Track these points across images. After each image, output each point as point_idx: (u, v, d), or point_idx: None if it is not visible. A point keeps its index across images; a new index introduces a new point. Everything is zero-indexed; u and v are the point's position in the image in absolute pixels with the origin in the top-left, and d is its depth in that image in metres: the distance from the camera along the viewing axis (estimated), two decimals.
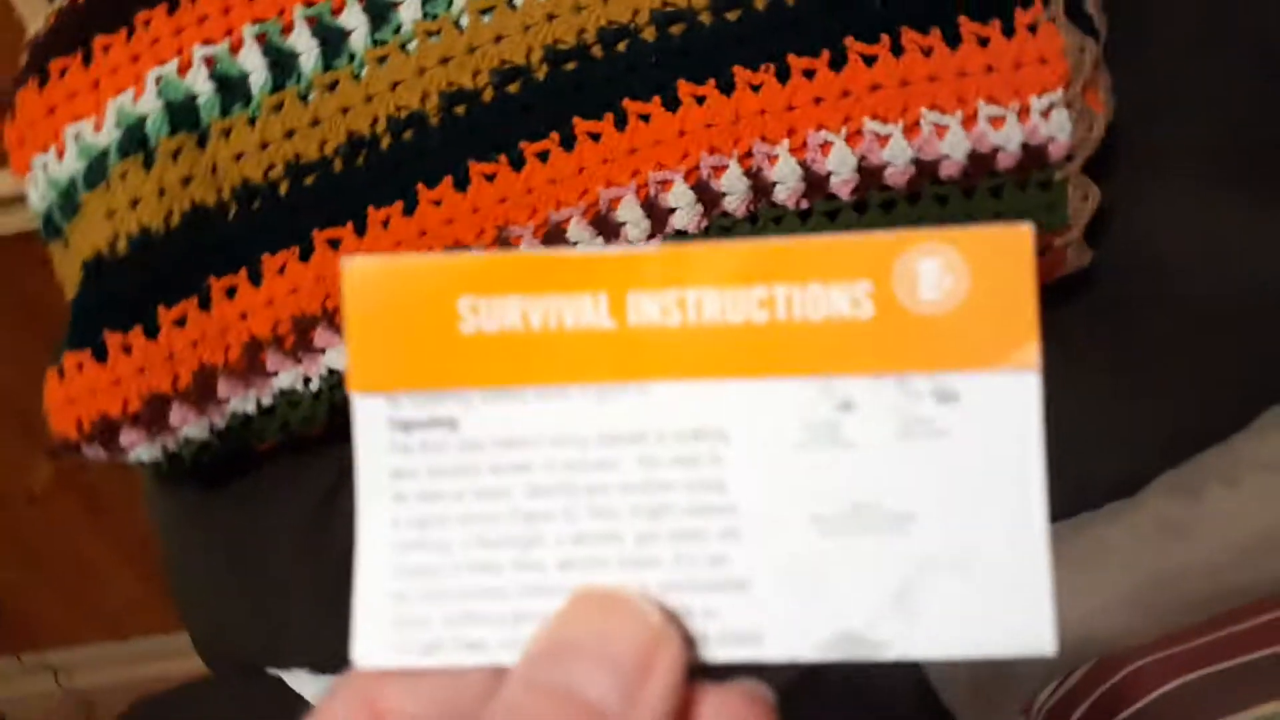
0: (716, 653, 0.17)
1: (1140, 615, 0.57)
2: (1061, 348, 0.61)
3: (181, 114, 0.50)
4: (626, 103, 0.51)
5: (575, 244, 0.53)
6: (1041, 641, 0.16)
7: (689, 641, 0.16)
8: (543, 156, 0.52)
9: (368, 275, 0.17)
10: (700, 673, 0.16)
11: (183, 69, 0.51)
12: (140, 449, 0.53)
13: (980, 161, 0.52)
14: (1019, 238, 0.15)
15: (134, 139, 0.50)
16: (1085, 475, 0.62)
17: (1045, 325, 0.54)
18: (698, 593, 0.16)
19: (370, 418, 0.17)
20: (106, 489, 1.07)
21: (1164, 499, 0.59)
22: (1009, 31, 0.51)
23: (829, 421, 0.16)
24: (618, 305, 0.16)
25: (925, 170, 0.52)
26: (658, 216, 0.52)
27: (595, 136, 0.52)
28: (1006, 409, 0.16)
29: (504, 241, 0.53)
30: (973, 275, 0.15)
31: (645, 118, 0.51)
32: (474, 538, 0.17)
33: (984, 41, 0.51)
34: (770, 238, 0.16)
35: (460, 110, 0.52)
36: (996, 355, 0.15)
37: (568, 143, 0.52)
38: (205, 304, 0.51)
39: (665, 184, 0.52)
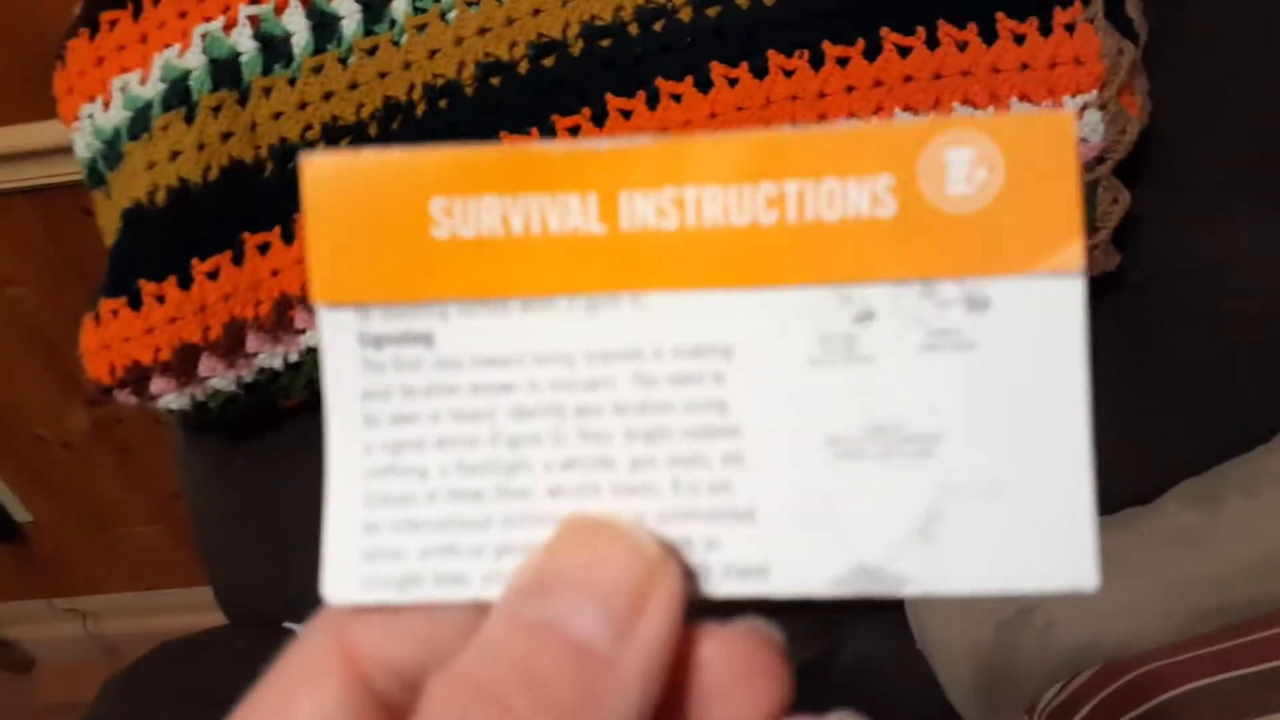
0: (719, 587, 0.15)
1: (1150, 622, 0.57)
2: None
3: (224, 71, 0.52)
4: (659, 81, 0.51)
5: None
6: (1083, 575, 0.14)
7: (689, 575, 0.15)
8: (574, 131, 0.52)
9: (329, 172, 0.15)
10: (702, 611, 0.15)
11: (228, 27, 0.52)
12: (169, 397, 0.55)
13: None
14: (1060, 124, 0.14)
15: (177, 93, 0.51)
16: (1103, 482, 0.61)
17: None
18: (698, 522, 0.15)
19: (338, 332, 0.16)
20: (140, 441, 1.10)
21: (1181, 507, 0.58)
22: (1046, 30, 0.50)
23: (846, 334, 0.14)
24: (608, 207, 0.14)
25: None
26: None
27: (626, 114, 0.52)
28: (1046, 317, 0.14)
29: None
30: (1008, 167, 0.14)
31: (677, 97, 0.52)
32: (453, 463, 0.16)
33: (1020, 39, 0.50)
34: (780, 127, 0.14)
35: (495, 81, 0.52)
36: (1035, 257, 0.14)
37: (599, 119, 0.52)
38: (238, 259, 0.53)
39: None
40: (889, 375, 0.14)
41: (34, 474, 1.13)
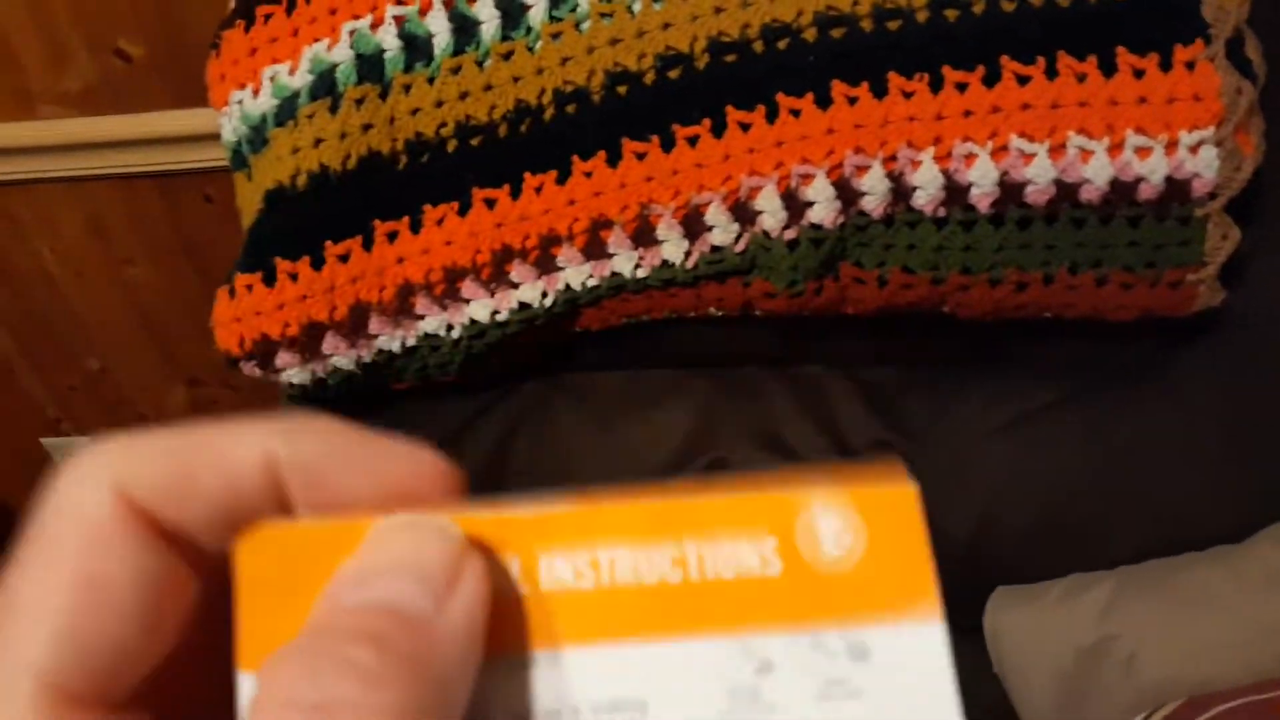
0: None
1: (1234, 662, 0.57)
2: (1179, 389, 0.61)
3: (369, 66, 0.55)
4: (780, 97, 0.53)
5: (712, 228, 0.56)
6: None
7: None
8: (692, 141, 0.54)
9: (264, 542, 0.16)
10: None
11: (375, 25, 0.55)
12: (293, 371, 0.57)
13: (1122, 190, 0.53)
14: (907, 496, 0.16)
15: (324, 84, 0.54)
16: (1195, 517, 0.62)
17: (1166, 366, 0.54)
18: None
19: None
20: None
21: (1273, 548, 0.58)
22: (1166, 66, 0.51)
23: (750, 685, 0.15)
24: (529, 568, 0.15)
25: (1066, 192, 0.53)
26: (795, 209, 0.55)
27: (745, 126, 0.54)
28: (917, 662, 0.15)
29: (645, 218, 0.55)
30: (869, 531, 0.15)
31: (796, 113, 0.53)
32: None
33: (1139, 73, 0.51)
34: (678, 491, 0.15)
35: (622, 90, 0.55)
36: (900, 609, 0.15)
37: (718, 130, 0.54)
38: (368, 244, 0.55)
39: (806, 178, 0.54)
40: None
41: None
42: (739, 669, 0.15)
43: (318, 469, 0.16)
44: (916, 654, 0.15)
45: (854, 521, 0.15)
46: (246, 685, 0.15)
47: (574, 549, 0.15)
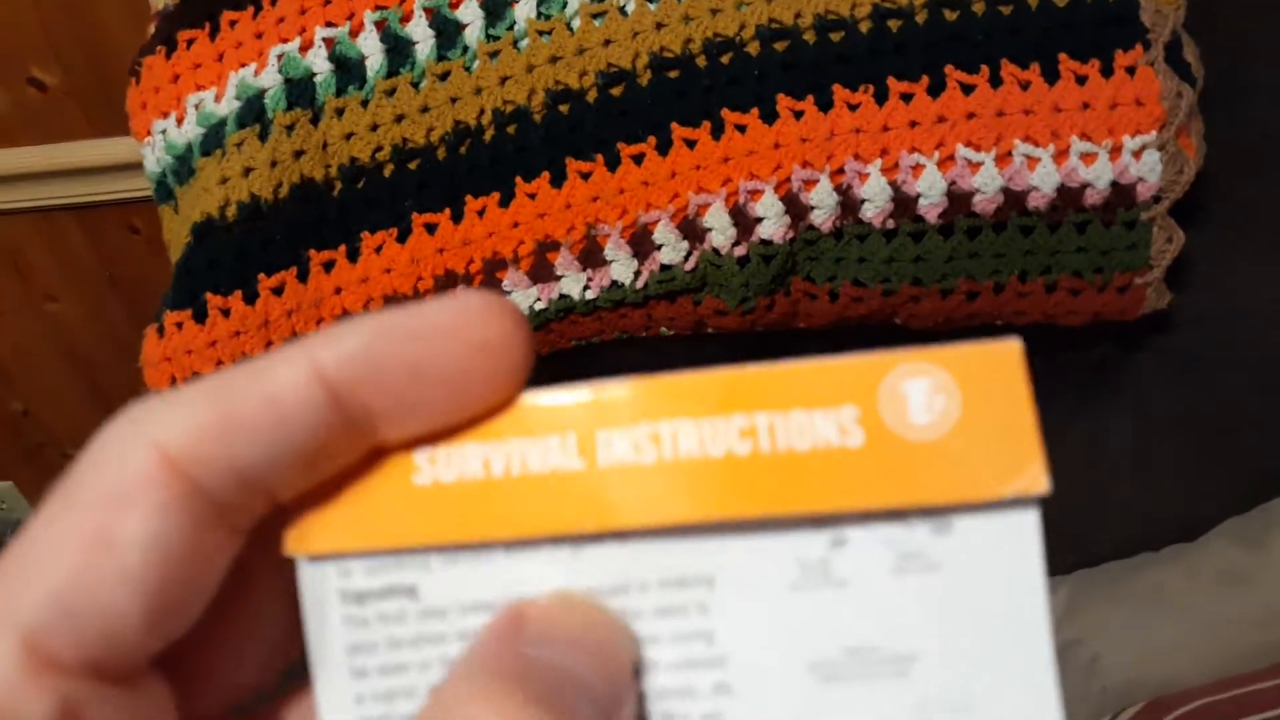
0: None
1: (1193, 661, 0.57)
2: (1132, 394, 0.62)
3: (299, 91, 0.53)
4: (725, 112, 0.52)
5: (661, 246, 0.55)
6: None
7: None
8: (638, 159, 0.53)
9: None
10: None
11: (304, 48, 0.53)
12: None
13: (1069, 196, 0.52)
14: (1009, 353, 0.14)
15: (252, 111, 0.52)
16: (1146, 519, 0.62)
17: (1119, 371, 0.54)
18: None
19: (318, 587, 0.15)
20: None
21: (1227, 545, 0.59)
22: (1107, 71, 0.51)
23: (821, 559, 0.15)
24: (586, 444, 0.15)
25: (1013, 200, 0.53)
26: (744, 225, 0.54)
27: (691, 143, 0.53)
28: (1005, 541, 0.14)
29: (593, 239, 0.54)
30: (965, 395, 0.14)
31: (741, 128, 0.52)
32: None
33: (1082, 79, 0.52)
34: (748, 365, 0.15)
35: (564, 108, 0.53)
36: (997, 483, 0.14)
37: (663, 147, 0.53)
38: (303, 276, 0.53)
39: (755, 194, 0.53)
40: (863, 598, 0.15)
41: None
42: (810, 543, 0.14)
43: (373, 359, 0.14)
44: (1004, 533, 0.14)
45: (947, 384, 0.14)
46: (302, 570, 0.15)
47: (633, 424, 0.15)
